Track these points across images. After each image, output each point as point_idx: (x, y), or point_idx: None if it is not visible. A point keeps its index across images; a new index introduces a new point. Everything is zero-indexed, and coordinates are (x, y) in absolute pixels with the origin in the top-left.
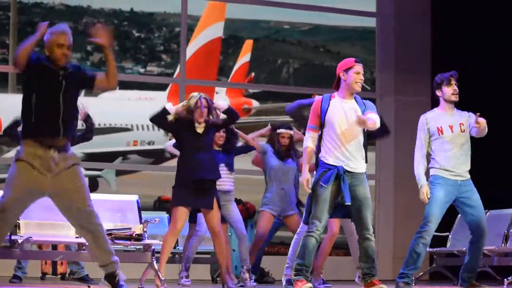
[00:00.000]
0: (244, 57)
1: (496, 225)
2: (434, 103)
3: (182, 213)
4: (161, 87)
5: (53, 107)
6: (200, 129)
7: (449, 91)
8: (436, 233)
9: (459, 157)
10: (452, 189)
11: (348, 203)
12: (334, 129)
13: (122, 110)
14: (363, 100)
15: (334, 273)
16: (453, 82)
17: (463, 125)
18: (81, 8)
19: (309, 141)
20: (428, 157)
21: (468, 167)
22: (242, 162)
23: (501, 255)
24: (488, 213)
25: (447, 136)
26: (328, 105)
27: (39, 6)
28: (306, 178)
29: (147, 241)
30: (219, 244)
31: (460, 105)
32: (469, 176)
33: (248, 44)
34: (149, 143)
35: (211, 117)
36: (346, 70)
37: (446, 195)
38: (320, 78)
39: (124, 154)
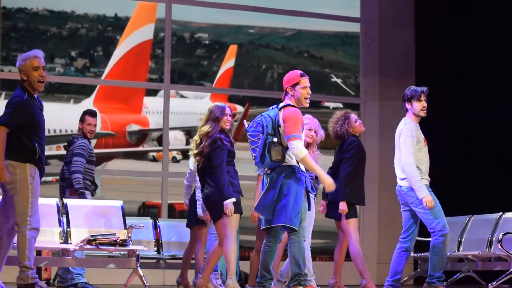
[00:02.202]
0: (228, 62)
1: (479, 230)
2: None
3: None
4: (148, 92)
5: None
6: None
7: (419, 106)
8: (419, 238)
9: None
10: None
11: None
12: None
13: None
14: None
15: (321, 279)
16: (423, 98)
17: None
18: (65, 14)
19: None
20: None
21: None
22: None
23: (485, 260)
24: (472, 218)
25: (425, 147)
26: None
27: (23, 12)
28: (331, 180)
29: (131, 247)
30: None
31: (444, 108)
32: None
33: (233, 49)
34: None
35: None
36: (294, 86)
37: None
38: None
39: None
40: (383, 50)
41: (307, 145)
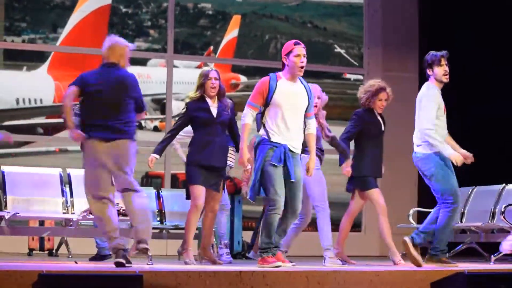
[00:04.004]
0: (232, 33)
1: (482, 202)
2: (422, 79)
3: (200, 190)
4: (144, 62)
5: None
6: (213, 108)
7: (440, 71)
8: (423, 209)
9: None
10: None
11: (293, 180)
12: (279, 110)
13: None
14: (307, 84)
15: (300, 249)
16: (443, 62)
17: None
18: None
19: (249, 118)
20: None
21: None
22: None
23: (487, 231)
24: (475, 189)
25: (444, 115)
26: (276, 86)
27: None
28: (247, 156)
29: None
30: (212, 219)
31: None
32: None
33: (236, 19)
34: None
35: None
36: (287, 54)
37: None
38: (307, 54)
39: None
40: (387, 21)
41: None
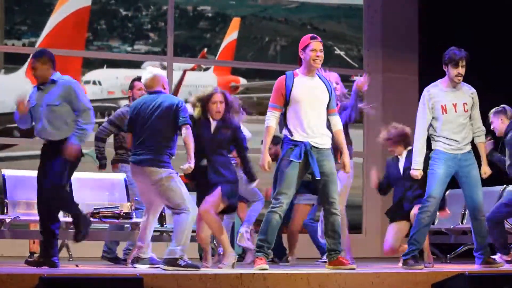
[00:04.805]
0: (232, 35)
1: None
2: (423, 80)
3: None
4: (139, 65)
5: None
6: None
7: (454, 72)
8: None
9: (458, 134)
10: (452, 163)
11: (318, 177)
12: (299, 106)
13: None
14: (325, 77)
15: (301, 251)
16: (460, 64)
17: (466, 105)
18: None
19: (272, 120)
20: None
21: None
22: None
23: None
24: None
25: (450, 115)
26: (293, 83)
27: None
28: (268, 160)
29: (135, 219)
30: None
31: None
32: (469, 149)
33: (236, 21)
34: None
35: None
36: (304, 49)
37: (446, 170)
38: None
39: None
40: (387, 22)
41: None
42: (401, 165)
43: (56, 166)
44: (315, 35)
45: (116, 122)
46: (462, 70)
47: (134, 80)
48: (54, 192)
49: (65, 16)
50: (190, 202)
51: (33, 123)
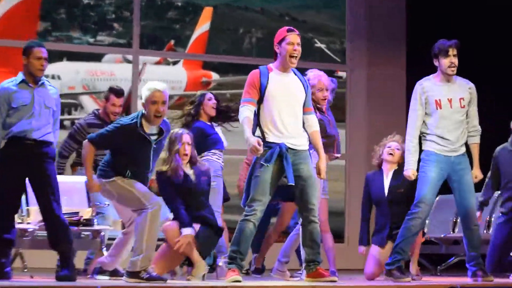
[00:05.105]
0: (203, 26)
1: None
2: (410, 75)
3: None
4: (99, 58)
5: None
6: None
7: (446, 63)
8: None
9: (453, 132)
10: (445, 166)
11: (292, 183)
12: (274, 104)
13: None
14: (300, 74)
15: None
16: (451, 52)
17: (463, 100)
18: None
19: (246, 112)
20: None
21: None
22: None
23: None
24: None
25: (445, 110)
26: (267, 79)
27: None
28: (256, 139)
29: (96, 227)
30: None
31: None
32: (463, 151)
33: (208, 11)
34: None
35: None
36: (280, 42)
37: (438, 173)
38: None
39: None
40: (371, 12)
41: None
42: (386, 183)
43: None
44: (292, 28)
45: (77, 137)
46: (454, 59)
47: (112, 91)
48: None
49: (13, 4)
50: (149, 199)
51: None
